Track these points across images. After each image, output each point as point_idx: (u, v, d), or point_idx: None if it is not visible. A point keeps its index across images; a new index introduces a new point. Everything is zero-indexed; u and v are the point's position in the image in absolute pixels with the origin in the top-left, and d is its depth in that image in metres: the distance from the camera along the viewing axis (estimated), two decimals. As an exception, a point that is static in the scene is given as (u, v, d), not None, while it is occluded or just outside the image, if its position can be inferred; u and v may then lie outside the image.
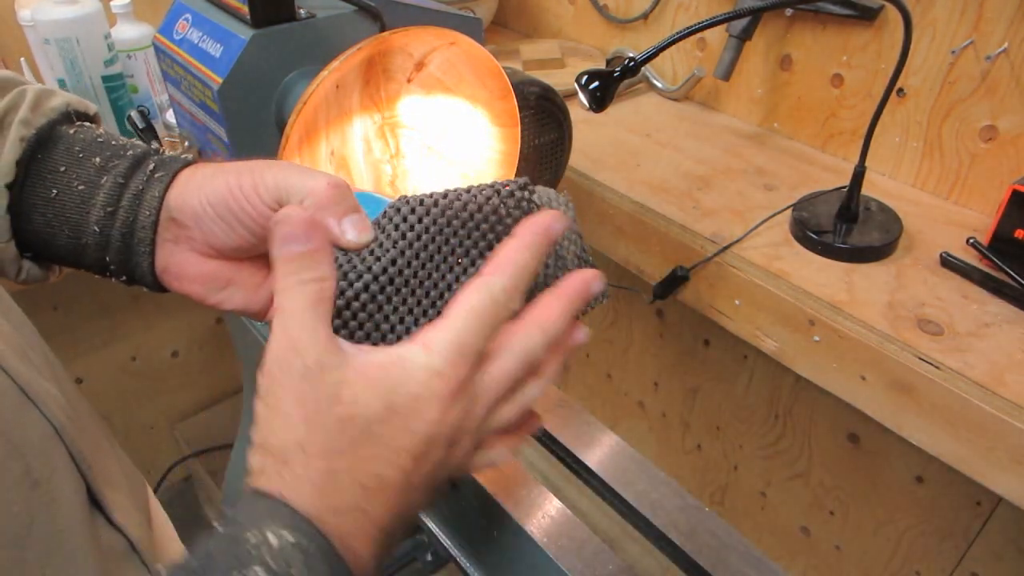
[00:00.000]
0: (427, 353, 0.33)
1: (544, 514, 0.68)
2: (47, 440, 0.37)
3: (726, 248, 0.75)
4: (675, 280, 0.80)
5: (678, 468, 1.38)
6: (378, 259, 0.37)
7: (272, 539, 0.29)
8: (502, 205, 0.38)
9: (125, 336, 1.44)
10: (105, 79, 0.99)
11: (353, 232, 0.37)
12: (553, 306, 0.36)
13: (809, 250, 0.75)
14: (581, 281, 0.37)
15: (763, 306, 0.73)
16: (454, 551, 0.79)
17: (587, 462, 0.79)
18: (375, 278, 0.37)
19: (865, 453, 1.03)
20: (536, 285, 0.40)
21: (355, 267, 0.37)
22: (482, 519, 0.74)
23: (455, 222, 0.38)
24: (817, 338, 0.69)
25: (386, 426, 0.32)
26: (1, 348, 0.37)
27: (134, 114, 0.74)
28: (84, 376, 1.42)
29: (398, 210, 0.38)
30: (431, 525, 0.82)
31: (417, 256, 0.37)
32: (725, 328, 0.79)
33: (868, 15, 0.80)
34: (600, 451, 0.79)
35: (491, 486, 0.69)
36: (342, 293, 0.36)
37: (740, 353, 1.14)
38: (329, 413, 0.31)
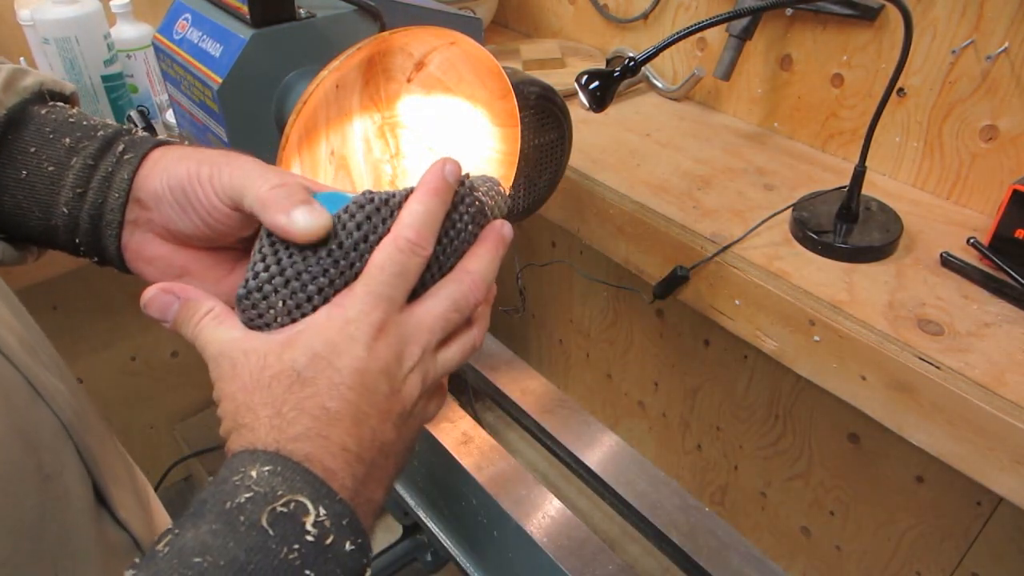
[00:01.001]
0: (338, 308, 0.36)
1: (544, 514, 0.68)
2: (57, 436, 0.37)
3: (726, 248, 0.75)
4: (675, 280, 0.80)
5: (678, 468, 1.38)
6: (336, 262, 0.37)
7: (252, 472, 0.32)
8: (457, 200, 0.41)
9: (125, 336, 1.43)
10: (105, 79, 0.99)
11: (303, 218, 0.36)
12: (476, 252, 0.41)
13: (809, 250, 0.75)
14: (495, 229, 0.42)
15: (763, 306, 0.73)
16: (454, 551, 0.79)
17: (587, 462, 0.79)
18: (324, 271, 0.37)
19: (865, 453, 1.03)
20: (458, 236, 0.41)
21: (309, 268, 0.37)
22: (482, 519, 0.74)
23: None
24: (817, 338, 0.69)
25: (313, 369, 0.35)
26: (12, 344, 0.37)
27: (134, 114, 0.74)
28: (84, 376, 1.42)
29: (362, 207, 0.38)
30: (431, 525, 0.82)
31: (372, 249, 0.38)
32: (725, 328, 0.79)
33: (868, 15, 0.80)
34: (600, 451, 0.79)
35: (491, 486, 0.69)
36: (293, 294, 0.37)
37: (740, 353, 1.14)
38: (261, 377, 0.35)
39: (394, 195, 0.39)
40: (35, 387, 0.37)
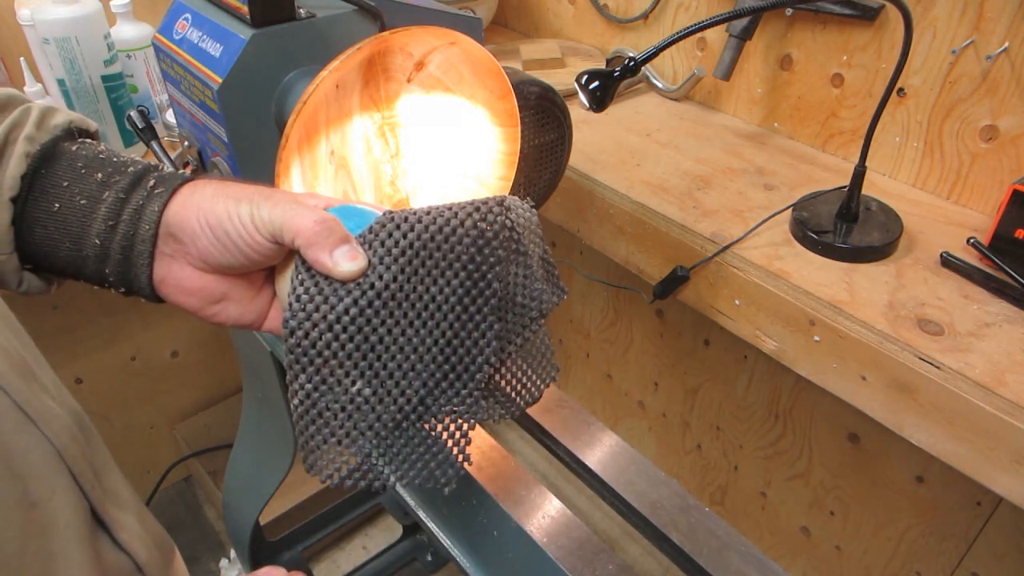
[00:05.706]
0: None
1: (544, 514, 0.68)
2: (48, 461, 0.37)
3: (726, 248, 0.75)
4: (675, 280, 0.80)
5: (678, 468, 1.38)
6: (372, 284, 0.40)
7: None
8: (482, 221, 0.42)
9: (125, 336, 1.44)
10: (105, 79, 0.99)
11: (346, 263, 0.39)
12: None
13: (809, 250, 0.75)
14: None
15: (763, 306, 0.73)
16: (454, 551, 0.79)
17: (587, 462, 0.79)
18: (363, 294, 0.39)
19: (865, 453, 1.03)
20: (508, 288, 0.43)
21: (336, 291, 0.39)
22: (482, 519, 0.73)
23: (438, 237, 0.40)
24: (817, 338, 0.69)
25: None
26: (3, 369, 0.36)
27: (134, 114, 0.74)
28: (84, 376, 1.42)
29: (383, 226, 0.40)
30: (431, 525, 0.82)
31: (403, 271, 0.40)
32: (725, 328, 0.79)
33: (868, 15, 0.80)
34: (600, 451, 0.78)
35: (491, 486, 0.69)
36: (330, 312, 0.39)
37: (740, 353, 1.14)
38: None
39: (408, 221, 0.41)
40: (25, 411, 0.37)
